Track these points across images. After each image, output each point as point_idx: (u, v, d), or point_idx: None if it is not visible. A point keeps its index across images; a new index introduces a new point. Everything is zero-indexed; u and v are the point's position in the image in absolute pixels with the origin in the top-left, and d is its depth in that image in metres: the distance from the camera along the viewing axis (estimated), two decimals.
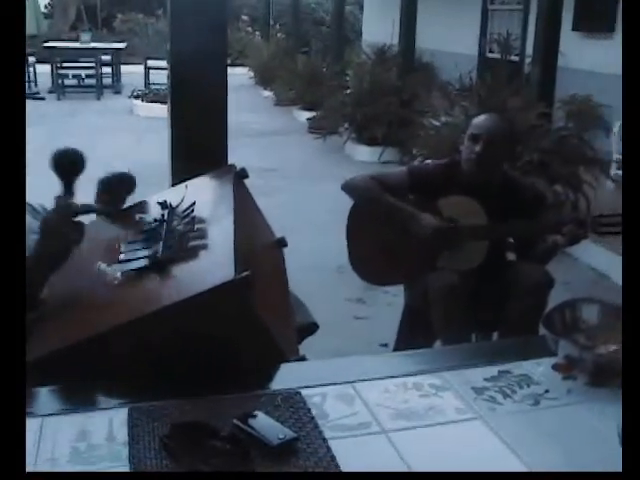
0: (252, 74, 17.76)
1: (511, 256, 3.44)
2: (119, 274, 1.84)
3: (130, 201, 2.33)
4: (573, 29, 9.54)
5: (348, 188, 3.29)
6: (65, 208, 1.87)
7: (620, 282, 5.31)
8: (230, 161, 2.48)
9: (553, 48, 7.10)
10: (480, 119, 3.25)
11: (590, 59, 9.38)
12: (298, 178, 8.50)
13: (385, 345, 3.72)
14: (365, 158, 9.33)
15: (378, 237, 3.27)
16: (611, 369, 1.70)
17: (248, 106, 13.83)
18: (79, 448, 1.38)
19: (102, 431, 1.44)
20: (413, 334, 3.39)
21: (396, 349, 3.41)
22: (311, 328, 2.36)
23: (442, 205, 3.20)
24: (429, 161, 4.40)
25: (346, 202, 3.33)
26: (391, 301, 4.34)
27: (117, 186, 2.26)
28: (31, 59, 14.76)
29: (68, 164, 2.03)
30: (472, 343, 2.90)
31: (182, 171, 2.55)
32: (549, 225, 3.25)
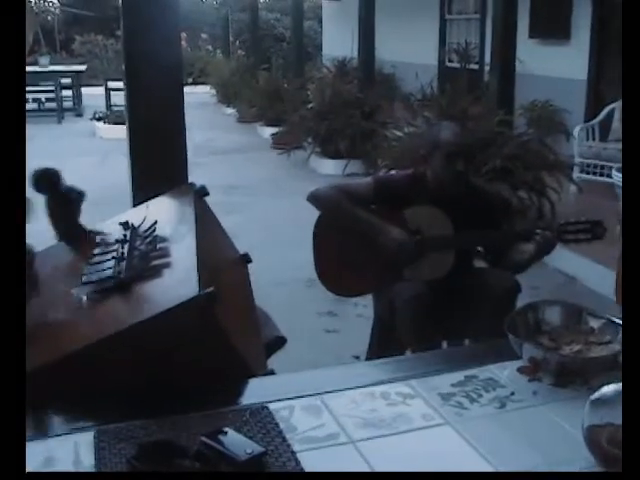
0: (214, 92, 17.75)
1: (478, 263, 3.46)
2: (85, 296, 1.83)
3: (93, 222, 2.33)
4: (530, 36, 9.66)
5: (314, 199, 3.29)
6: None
7: (588, 284, 5.33)
8: (195, 179, 2.48)
9: (510, 55, 7.20)
10: (449, 134, 3.20)
11: (548, 65, 9.50)
12: (264, 194, 8.50)
13: (357, 357, 3.72)
14: (330, 171, 9.35)
15: (345, 248, 3.27)
16: (575, 369, 1.72)
17: (211, 124, 13.82)
18: None
19: (68, 456, 1.42)
20: (384, 345, 3.39)
21: (368, 360, 3.41)
22: (279, 342, 2.36)
23: (408, 215, 3.21)
24: (394, 172, 4.41)
25: (312, 216, 3.33)
26: (361, 313, 4.34)
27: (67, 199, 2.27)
28: None
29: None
30: (438, 350, 2.91)
31: (143, 191, 2.55)
32: (515, 233, 3.26)
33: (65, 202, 2.28)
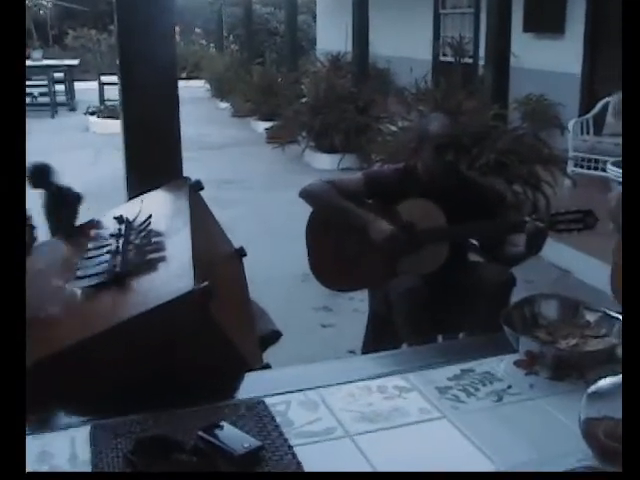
0: (208, 86, 17.72)
1: (473, 257, 3.45)
2: (79, 291, 1.82)
3: (87, 217, 2.32)
4: (524, 30, 9.66)
5: (305, 194, 3.28)
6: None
7: (582, 278, 5.32)
8: (189, 173, 2.47)
9: (505, 50, 7.19)
10: (439, 126, 3.19)
11: (542, 59, 9.50)
12: (258, 188, 8.49)
13: (353, 352, 3.72)
14: (324, 166, 9.35)
15: (338, 243, 3.26)
16: (571, 363, 1.72)
17: (205, 118, 13.80)
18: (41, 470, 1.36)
19: (64, 451, 1.42)
20: (379, 339, 3.38)
21: (364, 354, 3.40)
22: (274, 336, 2.36)
23: (401, 209, 3.20)
24: (385, 166, 4.40)
25: (307, 210, 3.33)
26: (357, 307, 4.34)
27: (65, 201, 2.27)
28: None
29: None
30: (434, 343, 2.91)
31: (138, 185, 2.54)
32: (508, 225, 3.26)
33: (63, 202, 2.27)
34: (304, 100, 10.51)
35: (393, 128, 7.58)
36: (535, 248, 3.08)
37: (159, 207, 2.18)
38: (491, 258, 3.32)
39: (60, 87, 15.59)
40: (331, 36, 15.83)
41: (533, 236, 3.03)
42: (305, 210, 3.33)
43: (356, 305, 4.39)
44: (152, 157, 2.71)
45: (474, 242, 3.45)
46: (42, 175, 2.26)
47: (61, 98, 15.57)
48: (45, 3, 22.84)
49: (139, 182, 2.58)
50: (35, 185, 2.24)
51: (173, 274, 1.77)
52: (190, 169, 2.79)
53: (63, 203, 2.27)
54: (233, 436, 1.40)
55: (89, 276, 1.86)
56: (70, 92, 16.01)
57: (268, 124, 11.76)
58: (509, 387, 1.68)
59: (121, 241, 1.97)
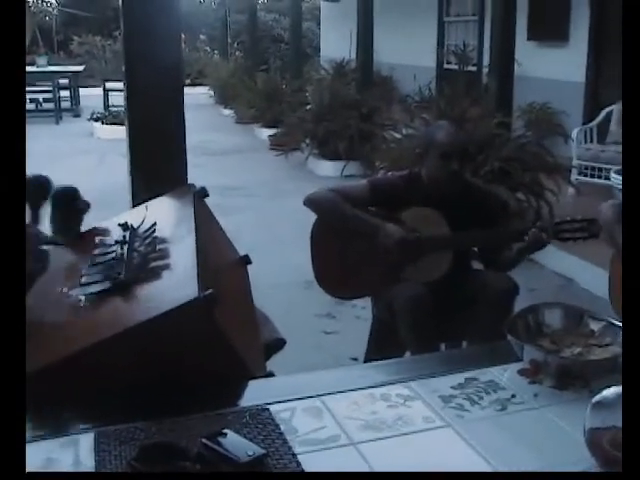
0: (212, 93, 17.74)
1: (476, 265, 3.45)
2: (82, 297, 1.82)
3: (91, 224, 2.32)
4: (528, 38, 9.66)
5: (310, 202, 3.28)
6: (33, 237, 1.86)
7: (585, 286, 5.30)
8: (192, 180, 2.48)
9: (509, 57, 7.19)
10: (444, 134, 3.19)
11: (546, 67, 9.50)
12: (261, 195, 8.49)
13: (355, 359, 3.72)
14: (328, 173, 9.34)
15: (342, 250, 3.26)
16: (576, 372, 1.72)
17: (209, 125, 13.80)
18: None
19: (68, 458, 1.42)
20: (383, 346, 3.38)
21: (366, 362, 3.40)
22: (278, 344, 2.36)
23: (405, 217, 3.20)
24: (390, 173, 4.40)
25: (311, 217, 3.33)
26: (360, 314, 4.34)
27: (70, 204, 2.26)
28: None
29: (35, 190, 2.04)
30: (438, 352, 2.91)
31: (142, 192, 2.55)
32: (512, 233, 3.26)
33: (70, 214, 2.28)
34: (308, 107, 10.51)
35: (397, 135, 7.58)
36: (530, 253, 3.11)
37: (164, 214, 2.18)
38: (489, 264, 3.32)
39: (65, 93, 15.61)
40: (335, 43, 15.84)
41: (534, 245, 3.04)
42: (309, 217, 3.33)
43: (359, 312, 4.39)
44: (157, 163, 2.72)
45: (474, 248, 3.46)
46: (42, 191, 2.26)
47: (66, 104, 15.59)
48: (51, 10, 22.90)
49: (144, 189, 2.59)
50: (34, 204, 2.23)
51: (177, 281, 1.77)
52: (194, 176, 2.79)
53: (69, 208, 2.27)
54: (237, 444, 1.40)
55: (93, 283, 1.86)
56: (75, 98, 16.03)
57: (272, 131, 11.75)
58: (513, 396, 1.68)
59: (126, 248, 1.97)
